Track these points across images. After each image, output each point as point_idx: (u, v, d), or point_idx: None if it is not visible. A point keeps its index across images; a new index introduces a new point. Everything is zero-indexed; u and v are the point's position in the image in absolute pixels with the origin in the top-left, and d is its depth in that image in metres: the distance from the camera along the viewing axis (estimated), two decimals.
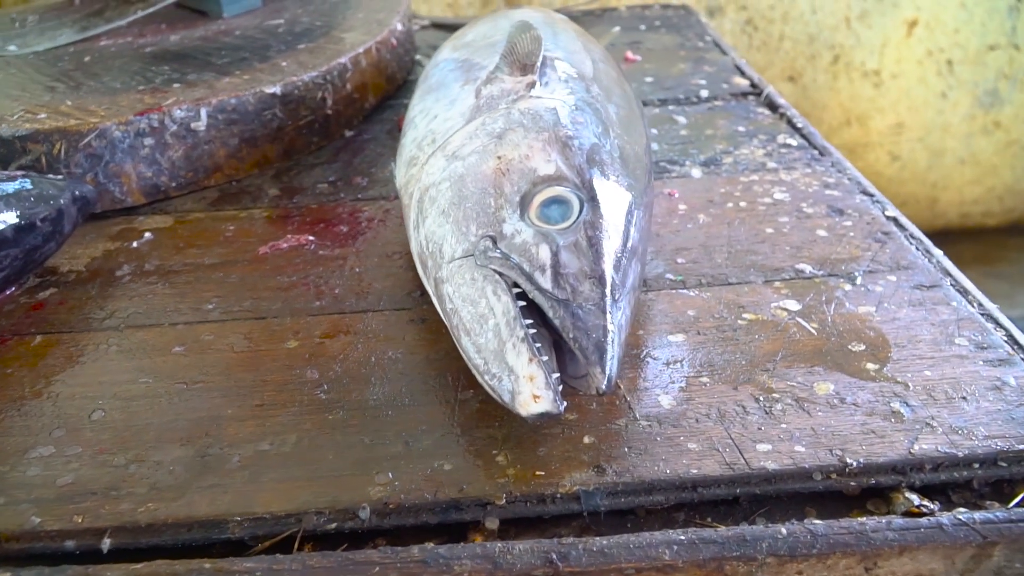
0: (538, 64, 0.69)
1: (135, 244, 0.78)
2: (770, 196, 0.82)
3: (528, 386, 0.50)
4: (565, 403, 0.50)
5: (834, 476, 0.52)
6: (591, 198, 0.57)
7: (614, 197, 0.58)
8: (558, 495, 0.50)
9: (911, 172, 2.67)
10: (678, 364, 0.60)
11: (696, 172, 0.87)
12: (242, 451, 0.54)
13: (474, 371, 0.54)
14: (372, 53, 0.99)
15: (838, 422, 0.55)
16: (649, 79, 1.12)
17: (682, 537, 0.48)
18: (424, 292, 0.69)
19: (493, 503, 0.50)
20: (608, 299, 0.53)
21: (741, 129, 0.96)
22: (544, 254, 0.54)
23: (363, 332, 0.65)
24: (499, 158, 0.60)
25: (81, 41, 1.04)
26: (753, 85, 1.08)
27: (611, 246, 0.55)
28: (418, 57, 1.16)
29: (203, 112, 0.83)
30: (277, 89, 0.88)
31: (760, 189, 0.83)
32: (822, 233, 0.75)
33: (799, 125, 0.96)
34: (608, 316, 0.52)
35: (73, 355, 0.63)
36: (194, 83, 0.88)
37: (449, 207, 0.59)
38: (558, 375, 0.51)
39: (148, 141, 0.81)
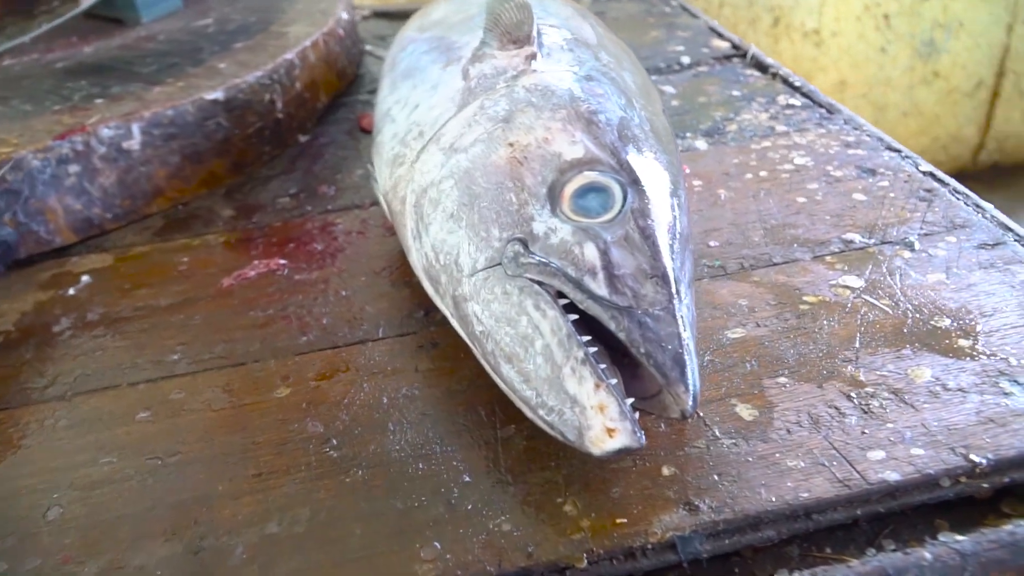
0: (533, 33, 0.59)
1: (71, 291, 0.66)
2: (790, 162, 0.73)
3: (599, 418, 0.41)
4: (643, 433, 0.41)
5: (964, 480, 0.43)
6: (633, 181, 0.48)
7: (657, 177, 0.49)
8: (649, 546, 0.41)
9: None
10: (746, 365, 0.51)
11: (701, 144, 0.78)
12: (245, 538, 0.43)
13: (522, 405, 0.44)
14: (320, 46, 0.88)
15: (950, 414, 0.47)
16: None
17: None
18: (429, 311, 0.58)
19: (573, 567, 0.41)
20: (676, 300, 0.44)
21: (736, 93, 0.88)
22: (591, 254, 0.44)
23: (365, 368, 0.54)
24: (511, 145, 0.50)
25: None
26: (735, 47, 1.00)
27: (665, 236, 0.46)
28: (368, 47, 1.05)
29: (135, 128, 0.71)
30: (219, 94, 0.76)
31: (777, 155, 0.75)
32: (860, 197, 0.67)
33: (797, 84, 0.88)
34: (680, 321, 0.43)
35: (13, 438, 0.52)
36: (120, 96, 0.76)
37: (459, 209, 0.49)
38: (631, 400, 0.42)
39: (73, 168, 0.69)
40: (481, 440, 0.48)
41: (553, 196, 0.47)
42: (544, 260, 0.45)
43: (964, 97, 2.63)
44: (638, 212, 0.46)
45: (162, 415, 0.52)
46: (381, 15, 1.22)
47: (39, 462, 0.50)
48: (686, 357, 0.42)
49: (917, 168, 0.71)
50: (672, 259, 0.45)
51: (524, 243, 0.46)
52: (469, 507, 0.44)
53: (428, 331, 0.57)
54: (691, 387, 0.41)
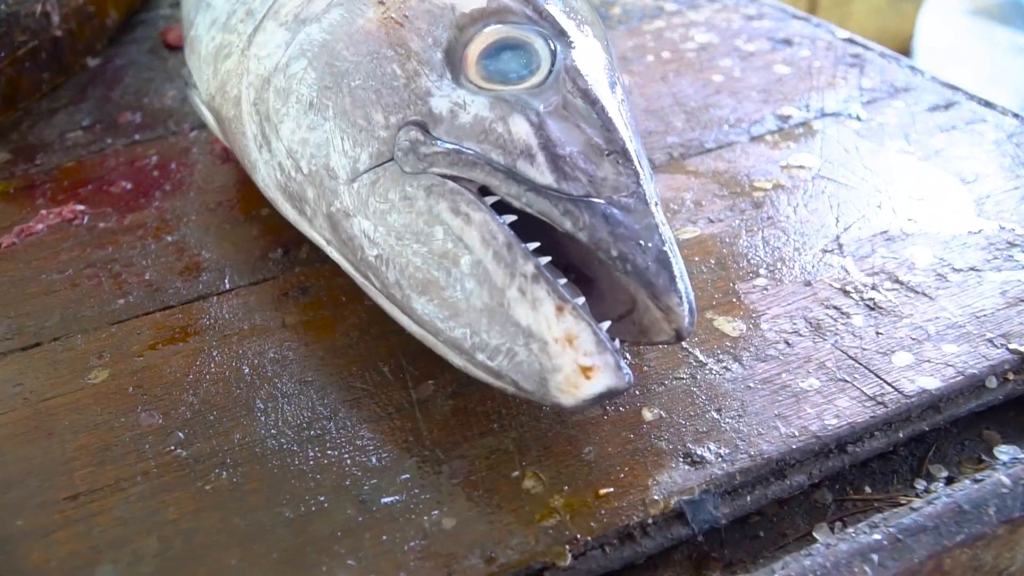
0: None
1: None
2: (692, 40, 0.63)
3: (568, 354, 0.29)
4: (629, 367, 0.29)
5: (1012, 376, 0.35)
6: (559, 32, 0.35)
7: (584, 25, 0.37)
8: (650, 520, 0.30)
9: None
10: (713, 270, 0.41)
11: None
12: None
13: (447, 351, 0.31)
14: None
15: (970, 298, 0.38)
16: None
17: (878, 538, 0.29)
18: (290, 249, 0.44)
19: (553, 566, 0.29)
20: (645, 181, 0.32)
21: None
22: (521, 130, 0.32)
23: (213, 330, 0.40)
24: (381, 3, 0.37)
25: None
26: None
27: (612, 98, 0.34)
28: None
29: None
30: None
31: (675, 35, 0.64)
32: (783, 69, 0.58)
33: None
34: (655, 209, 0.32)
35: None
36: None
37: (320, 95, 0.36)
38: (609, 323, 0.30)
39: None
40: (391, 407, 0.35)
41: (453, 61, 0.34)
42: (455, 146, 0.32)
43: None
44: (573, 71, 0.34)
45: None
46: None
47: None
48: (671, 256, 0.30)
49: (835, 35, 0.62)
50: (628, 127, 0.34)
51: (423, 127, 0.33)
52: (389, 501, 0.31)
53: (292, 273, 0.43)
54: (685, 295, 0.30)
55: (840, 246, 0.41)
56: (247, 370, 0.37)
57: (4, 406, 0.37)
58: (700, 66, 0.59)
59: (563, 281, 0.30)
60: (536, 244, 0.30)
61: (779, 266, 0.40)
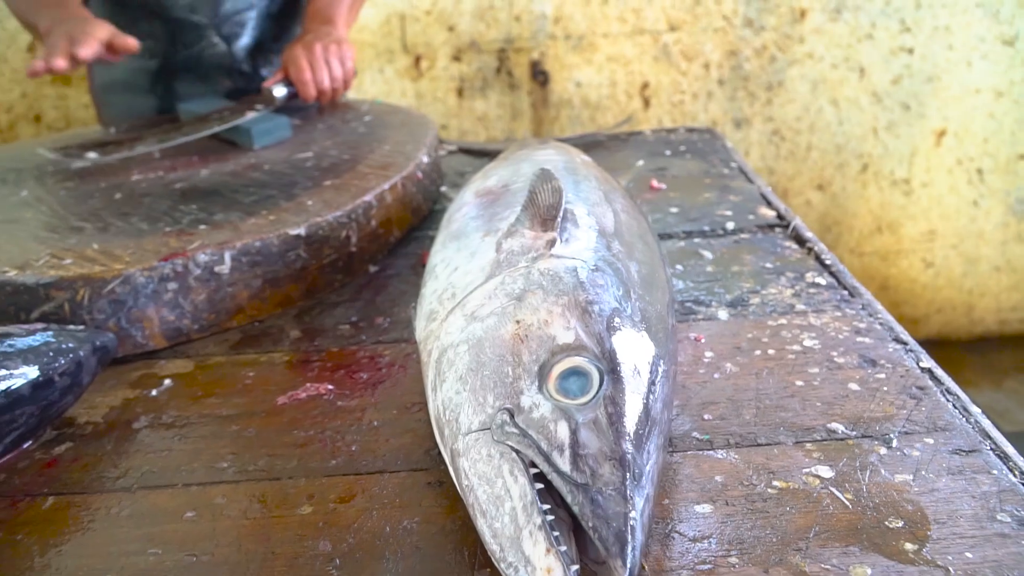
0: (559, 219, 0.69)
1: (154, 392, 0.77)
2: (799, 343, 0.79)
3: None
4: None
5: None
6: (611, 370, 0.55)
7: (635, 368, 0.57)
8: None
9: (946, 279, 2.65)
10: (706, 541, 0.57)
11: (723, 314, 0.85)
12: None
13: (491, 556, 0.51)
14: (398, 188, 1.00)
15: None
16: (674, 209, 1.11)
17: None
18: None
19: None
20: (629, 483, 0.51)
21: (768, 265, 0.95)
22: (563, 432, 0.52)
23: (378, 496, 0.63)
24: (518, 323, 0.59)
25: (113, 174, 1.06)
26: (780, 216, 1.08)
27: (632, 423, 0.54)
28: (444, 189, 1.17)
29: (227, 256, 0.83)
30: (301, 230, 0.88)
31: (789, 335, 0.81)
32: (854, 387, 0.73)
33: (828, 262, 0.94)
34: (629, 502, 0.50)
35: (83, 521, 0.62)
36: (220, 224, 0.89)
37: (467, 373, 0.58)
38: (577, 567, 0.49)
39: (172, 285, 0.81)
40: None
41: (543, 374, 0.55)
42: (524, 431, 0.53)
43: None
44: (609, 399, 0.54)
45: (205, 517, 0.62)
46: (465, 151, 1.35)
47: (100, 546, 0.60)
48: (628, 535, 0.49)
49: (917, 364, 0.76)
50: (634, 445, 0.52)
51: (511, 413, 0.54)
52: None
53: (439, 469, 0.65)
54: (628, 563, 0.48)
55: (806, 548, 0.56)
56: (388, 530, 0.59)
57: (250, 513, 0.62)
58: (791, 369, 0.76)
59: (556, 533, 0.49)
60: (548, 505, 0.50)
61: (753, 551, 0.56)
